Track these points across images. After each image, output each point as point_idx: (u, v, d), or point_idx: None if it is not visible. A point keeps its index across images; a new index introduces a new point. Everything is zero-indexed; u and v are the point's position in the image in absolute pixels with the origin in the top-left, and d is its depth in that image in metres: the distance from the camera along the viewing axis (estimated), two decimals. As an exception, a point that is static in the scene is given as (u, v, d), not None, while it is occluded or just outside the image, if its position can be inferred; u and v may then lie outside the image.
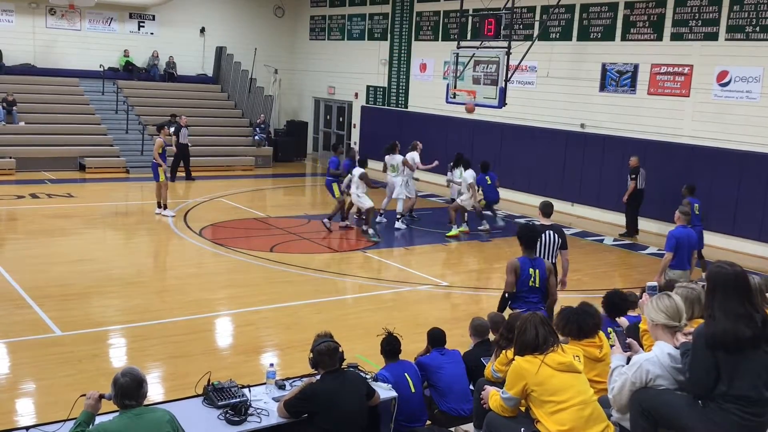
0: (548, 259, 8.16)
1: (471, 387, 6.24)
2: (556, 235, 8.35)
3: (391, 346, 5.99)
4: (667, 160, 15.58)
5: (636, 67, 16.30)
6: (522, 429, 4.52)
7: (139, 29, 24.70)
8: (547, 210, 8.65)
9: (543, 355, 4.51)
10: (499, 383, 5.20)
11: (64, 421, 4.54)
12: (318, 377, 5.11)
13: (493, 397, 4.82)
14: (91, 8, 22.91)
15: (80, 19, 23.54)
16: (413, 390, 5.80)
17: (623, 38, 16.60)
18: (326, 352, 5.02)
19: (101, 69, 23.19)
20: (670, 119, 15.67)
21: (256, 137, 23.35)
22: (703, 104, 15.13)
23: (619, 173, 16.29)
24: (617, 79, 16.69)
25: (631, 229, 15.54)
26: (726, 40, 14.73)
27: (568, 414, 4.40)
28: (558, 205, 17.48)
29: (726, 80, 14.76)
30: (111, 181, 19.14)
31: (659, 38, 15.90)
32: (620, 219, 16.18)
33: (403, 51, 22.72)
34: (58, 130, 20.94)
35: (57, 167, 19.78)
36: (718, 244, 14.25)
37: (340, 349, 5.12)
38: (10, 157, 19.43)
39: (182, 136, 19.50)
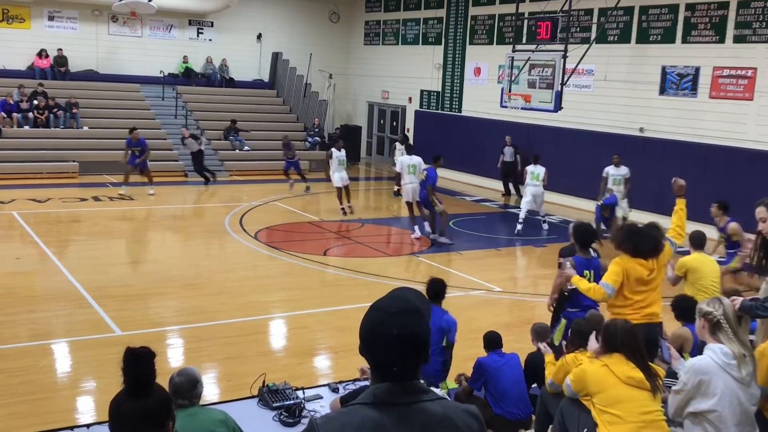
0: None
1: (532, 391, 6.22)
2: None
3: (434, 289, 6.15)
4: (730, 165, 15.15)
5: (697, 69, 15.90)
6: (586, 430, 4.52)
7: (198, 36, 25.19)
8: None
9: (613, 360, 4.54)
10: (557, 393, 5.31)
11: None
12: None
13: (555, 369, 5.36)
14: (151, 16, 23.45)
15: (141, 26, 24.14)
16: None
17: (684, 40, 16.22)
18: None
19: (161, 75, 23.72)
20: (732, 123, 15.23)
21: (308, 141, 23.52)
22: (768, 108, 14.69)
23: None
24: (678, 82, 16.32)
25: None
26: (792, 41, 14.28)
27: (626, 428, 4.34)
28: (615, 209, 17.22)
29: (792, 83, 14.29)
30: (170, 185, 19.53)
31: (721, 40, 15.48)
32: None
33: (457, 55, 22.64)
34: (119, 135, 21.44)
35: (118, 171, 20.25)
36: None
37: None
38: (74, 161, 20.00)
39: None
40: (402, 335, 2.18)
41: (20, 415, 6.50)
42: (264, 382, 5.44)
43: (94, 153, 20.50)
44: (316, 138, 23.82)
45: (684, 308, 6.38)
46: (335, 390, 5.67)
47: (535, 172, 15.39)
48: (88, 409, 6.82)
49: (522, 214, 15.33)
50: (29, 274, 11.21)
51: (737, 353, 4.19)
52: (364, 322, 2.25)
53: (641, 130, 17.02)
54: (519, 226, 15.21)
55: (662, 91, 16.64)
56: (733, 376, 4.16)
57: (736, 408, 4.17)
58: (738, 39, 15.17)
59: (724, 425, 4.16)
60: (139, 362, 2.77)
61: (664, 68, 16.57)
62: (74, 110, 21.16)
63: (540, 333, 6.53)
